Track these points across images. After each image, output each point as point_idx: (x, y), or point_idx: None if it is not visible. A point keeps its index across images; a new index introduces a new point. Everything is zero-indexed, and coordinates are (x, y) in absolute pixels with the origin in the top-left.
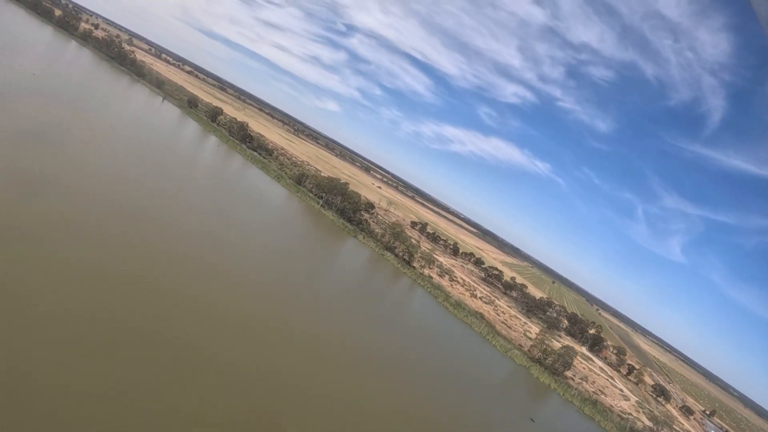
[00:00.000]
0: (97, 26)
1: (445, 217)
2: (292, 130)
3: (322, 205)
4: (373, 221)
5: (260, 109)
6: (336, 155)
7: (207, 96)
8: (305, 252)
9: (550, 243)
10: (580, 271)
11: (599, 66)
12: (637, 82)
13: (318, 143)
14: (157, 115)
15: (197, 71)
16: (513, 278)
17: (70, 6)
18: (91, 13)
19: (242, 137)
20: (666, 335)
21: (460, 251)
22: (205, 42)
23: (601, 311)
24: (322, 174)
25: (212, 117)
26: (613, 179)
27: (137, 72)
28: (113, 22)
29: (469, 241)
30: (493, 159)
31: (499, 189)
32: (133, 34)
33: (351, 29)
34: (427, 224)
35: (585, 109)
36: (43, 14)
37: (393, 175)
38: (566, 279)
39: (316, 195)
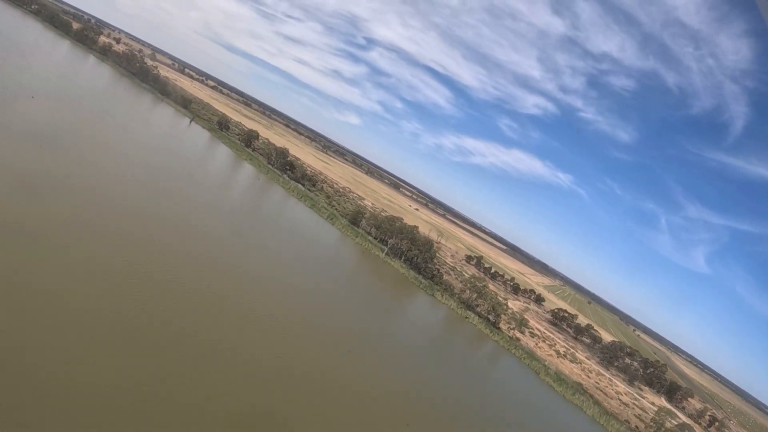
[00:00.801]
0: (118, 40)
1: (480, 237)
2: (321, 148)
3: (387, 253)
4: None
5: (287, 125)
6: (365, 172)
7: (234, 114)
8: (373, 316)
9: (574, 256)
10: (604, 284)
11: (620, 75)
12: (659, 91)
13: (345, 160)
14: (184, 140)
15: (221, 86)
16: (575, 316)
17: (93, 21)
18: (114, 28)
19: (282, 165)
20: (693, 350)
21: (520, 288)
22: (227, 56)
23: (638, 332)
24: (366, 203)
25: (247, 141)
26: (636, 190)
27: (161, 89)
28: (136, 37)
29: (506, 262)
30: (514, 171)
31: (522, 201)
32: (155, 49)
33: (371, 43)
34: (481, 257)
35: (606, 120)
36: (61, 27)
37: (418, 190)
38: (593, 294)
39: (376, 238)
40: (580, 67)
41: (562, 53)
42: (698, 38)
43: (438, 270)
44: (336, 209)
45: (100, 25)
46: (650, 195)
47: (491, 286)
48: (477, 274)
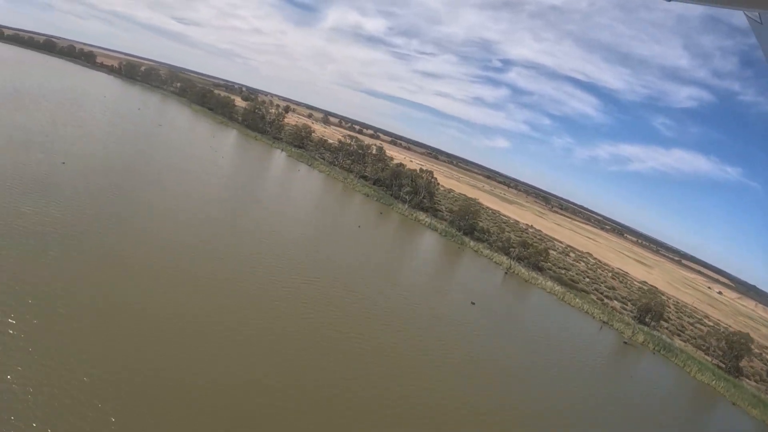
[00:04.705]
0: (287, 109)
1: (716, 280)
2: (545, 204)
3: None
4: None
5: (487, 177)
6: (588, 223)
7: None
8: None
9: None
10: None
11: None
12: None
13: (564, 210)
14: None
15: (397, 138)
16: None
17: (245, 90)
18: (264, 93)
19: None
20: None
21: None
22: (370, 101)
23: None
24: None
25: (640, 317)
26: None
27: (417, 203)
28: (289, 99)
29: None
30: (677, 173)
31: (690, 205)
32: (309, 108)
33: (507, 64)
34: None
35: None
36: (221, 111)
37: (631, 229)
38: None
39: None
40: (729, 46)
41: (706, 35)
42: None
43: None
44: None
45: (253, 93)
46: None
47: None
48: None
